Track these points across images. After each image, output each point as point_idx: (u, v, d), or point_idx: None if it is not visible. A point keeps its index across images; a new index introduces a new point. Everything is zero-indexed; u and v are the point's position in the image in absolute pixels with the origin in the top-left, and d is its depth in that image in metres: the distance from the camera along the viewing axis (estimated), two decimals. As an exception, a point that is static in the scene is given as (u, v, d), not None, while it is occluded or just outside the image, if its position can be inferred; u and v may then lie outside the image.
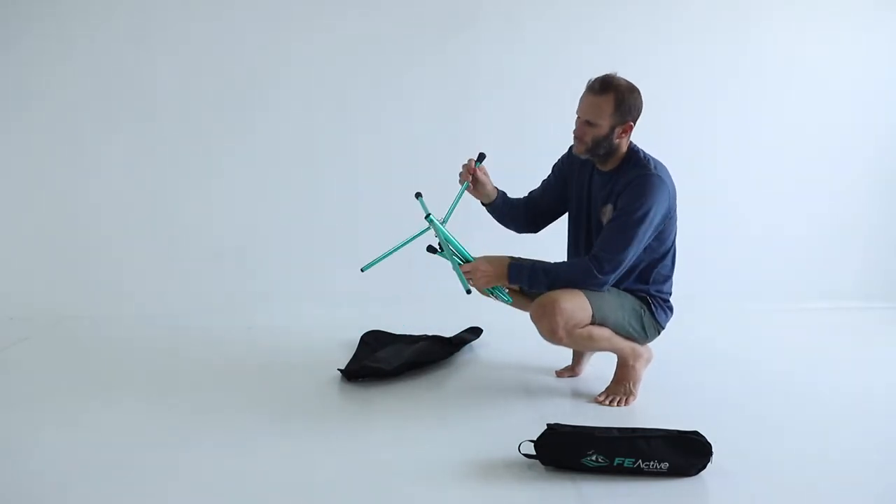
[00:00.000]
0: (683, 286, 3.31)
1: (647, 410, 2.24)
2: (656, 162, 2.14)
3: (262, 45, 3.38)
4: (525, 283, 2.15)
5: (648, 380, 2.39)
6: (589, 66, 2.22)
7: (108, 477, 1.77)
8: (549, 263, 2.18)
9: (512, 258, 2.24)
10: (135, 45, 3.33)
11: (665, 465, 1.69)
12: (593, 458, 1.70)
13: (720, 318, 3.38)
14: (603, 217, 2.17)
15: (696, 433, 1.75)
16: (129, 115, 3.37)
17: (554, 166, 2.42)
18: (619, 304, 2.19)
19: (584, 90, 2.10)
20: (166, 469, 1.82)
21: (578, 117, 2.11)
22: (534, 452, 1.76)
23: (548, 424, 1.80)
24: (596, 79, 2.06)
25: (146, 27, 3.32)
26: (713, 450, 1.73)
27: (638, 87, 2.11)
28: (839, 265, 3.83)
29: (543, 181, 2.44)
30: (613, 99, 2.02)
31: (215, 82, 3.40)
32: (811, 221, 3.80)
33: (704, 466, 1.73)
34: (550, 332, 2.09)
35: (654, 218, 2.05)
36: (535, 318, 2.12)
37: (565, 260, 2.33)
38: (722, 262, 3.69)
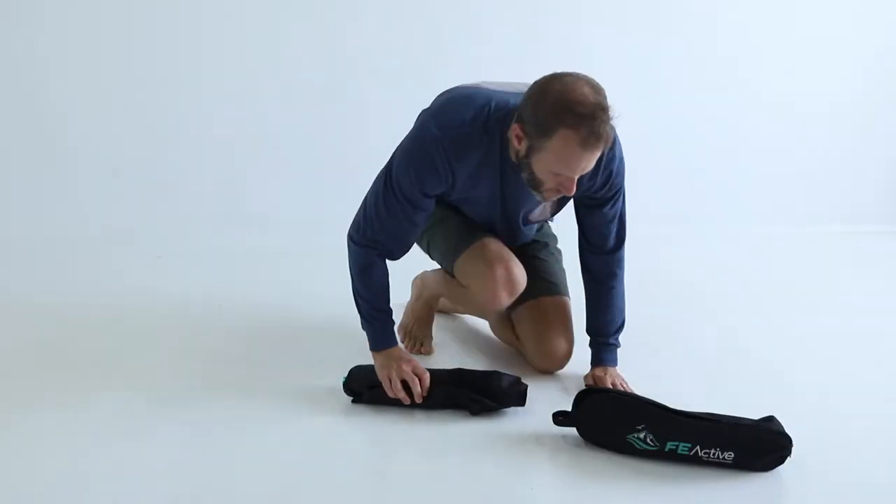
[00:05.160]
0: (681, 206, 3.17)
1: (634, 350, 1.87)
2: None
3: None
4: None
5: (636, 314, 1.95)
6: None
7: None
8: None
9: None
10: None
11: (729, 456, 1.36)
12: (642, 436, 1.39)
13: (722, 242, 3.17)
14: None
15: (771, 418, 1.42)
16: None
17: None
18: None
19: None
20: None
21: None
22: (570, 421, 1.47)
23: (586, 386, 1.56)
24: None
25: None
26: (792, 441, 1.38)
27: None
28: (857, 183, 3.63)
29: None
30: None
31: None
32: (825, 134, 3.59)
33: (782, 460, 1.37)
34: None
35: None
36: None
37: None
38: (725, 180, 3.49)
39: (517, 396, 1.54)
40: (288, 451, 1.42)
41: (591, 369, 1.69)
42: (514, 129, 1.40)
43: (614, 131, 1.45)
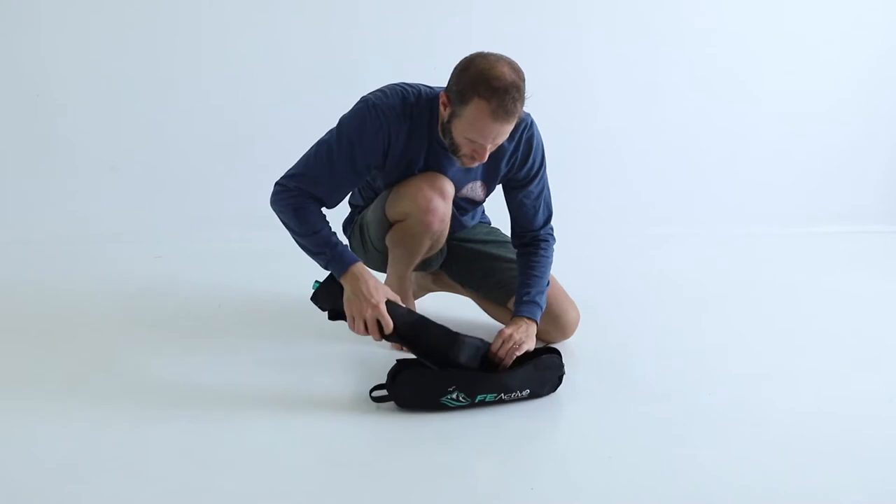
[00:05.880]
0: (681, 207, 3.14)
1: (635, 350, 1.94)
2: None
3: None
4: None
5: (638, 314, 2.11)
6: None
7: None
8: None
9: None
10: None
11: (526, 392, 1.61)
12: (454, 395, 1.55)
13: (723, 242, 3.13)
14: None
15: (547, 348, 1.67)
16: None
17: None
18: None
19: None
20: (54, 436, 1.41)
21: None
22: (386, 393, 1.57)
23: (398, 360, 1.59)
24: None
25: None
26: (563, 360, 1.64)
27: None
28: (857, 183, 3.56)
29: None
30: None
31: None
32: (825, 134, 3.52)
33: (560, 381, 1.64)
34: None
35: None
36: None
37: None
38: (725, 180, 3.45)
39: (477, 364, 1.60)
40: (287, 450, 1.42)
41: (510, 324, 1.68)
42: (442, 97, 1.55)
43: (530, 118, 1.69)
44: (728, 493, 1.29)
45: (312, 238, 1.61)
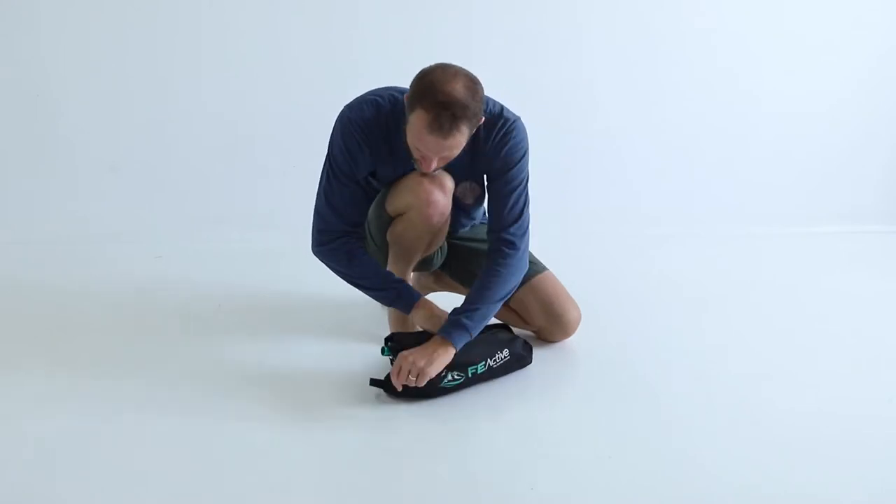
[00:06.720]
0: (681, 207, 3.17)
1: (636, 351, 1.90)
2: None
3: None
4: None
5: (639, 314, 2.07)
6: None
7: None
8: None
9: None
10: None
11: (506, 352, 1.69)
12: (449, 377, 1.59)
13: (723, 242, 3.12)
14: None
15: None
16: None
17: None
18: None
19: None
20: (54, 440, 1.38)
21: None
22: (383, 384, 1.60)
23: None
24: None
25: None
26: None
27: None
28: (857, 183, 3.53)
29: None
30: None
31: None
32: (825, 134, 3.50)
33: (531, 351, 1.77)
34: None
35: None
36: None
37: None
38: (725, 180, 3.43)
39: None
40: (288, 449, 1.41)
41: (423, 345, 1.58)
42: (405, 98, 1.52)
43: (514, 117, 1.65)
44: (728, 493, 1.28)
45: (377, 279, 1.70)
